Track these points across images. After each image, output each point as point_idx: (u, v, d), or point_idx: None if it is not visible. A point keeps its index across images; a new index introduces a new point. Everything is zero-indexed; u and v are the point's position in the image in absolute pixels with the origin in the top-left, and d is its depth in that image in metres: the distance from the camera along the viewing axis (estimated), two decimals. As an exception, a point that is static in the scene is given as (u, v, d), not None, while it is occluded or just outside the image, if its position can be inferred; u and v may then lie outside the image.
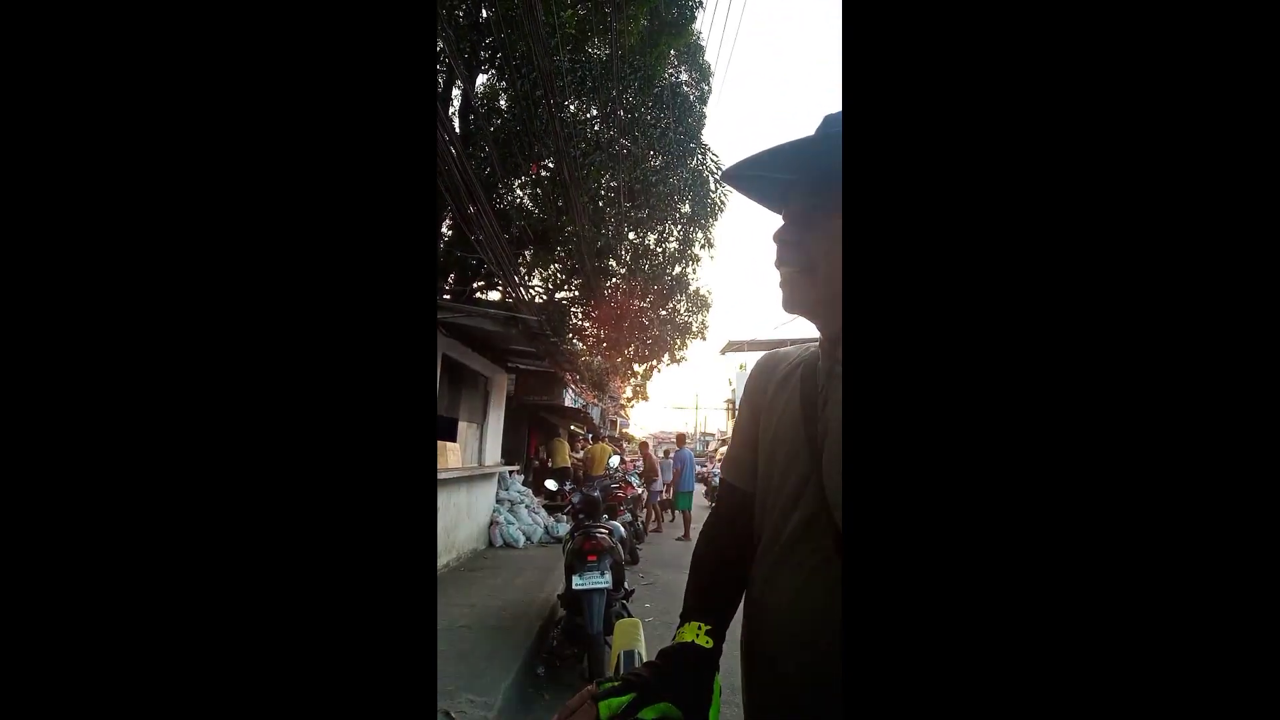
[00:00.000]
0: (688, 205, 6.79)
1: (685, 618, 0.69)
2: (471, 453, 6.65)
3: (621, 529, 4.17)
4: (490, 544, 6.15)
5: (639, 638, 0.90)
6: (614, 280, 7.48)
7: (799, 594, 0.62)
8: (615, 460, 5.37)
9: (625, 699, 0.58)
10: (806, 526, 0.63)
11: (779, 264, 0.63)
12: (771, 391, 0.73)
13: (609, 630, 2.73)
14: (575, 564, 2.93)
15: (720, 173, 6.72)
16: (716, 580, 0.72)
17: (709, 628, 0.67)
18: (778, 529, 0.66)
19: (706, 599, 0.70)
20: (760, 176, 0.65)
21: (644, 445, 10.12)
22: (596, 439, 8.47)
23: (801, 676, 0.61)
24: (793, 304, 0.64)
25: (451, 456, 5.36)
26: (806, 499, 0.63)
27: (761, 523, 0.70)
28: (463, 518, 5.46)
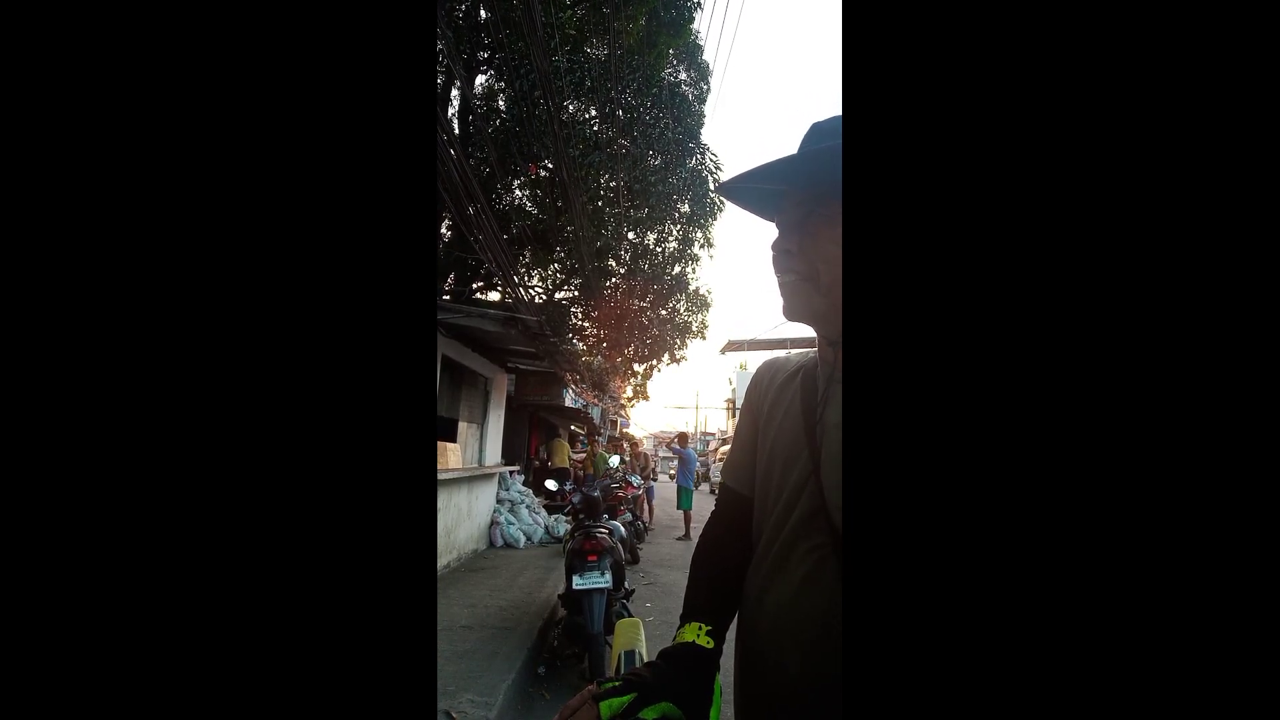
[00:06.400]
0: (687, 205, 6.79)
1: (686, 618, 0.69)
2: (472, 453, 6.65)
3: (622, 529, 4.17)
4: (491, 544, 6.15)
5: (639, 637, 0.90)
6: (614, 280, 7.48)
7: (797, 593, 0.63)
8: (616, 460, 5.37)
9: (626, 699, 0.58)
10: (805, 526, 0.63)
11: (780, 273, 0.63)
12: (771, 397, 0.74)
13: (609, 630, 2.74)
14: (575, 564, 2.94)
15: (719, 177, 6.73)
16: (717, 582, 0.73)
17: (710, 628, 0.67)
18: (777, 529, 0.67)
19: (707, 600, 0.71)
20: (755, 188, 0.66)
21: (636, 444, 10.19)
22: (591, 439, 8.47)
23: (799, 674, 0.61)
24: (794, 312, 0.65)
25: (452, 457, 5.36)
26: (805, 500, 0.64)
27: (761, 524, 0.71)
28: (463, 518, 5.46)
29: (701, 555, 0.76)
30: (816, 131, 0.62)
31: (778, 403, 0.73)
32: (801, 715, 0.61)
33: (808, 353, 0.75)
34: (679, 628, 0.69)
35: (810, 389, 0.68)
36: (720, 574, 0.73)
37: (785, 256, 0.62)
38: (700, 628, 0.67)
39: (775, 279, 0.65)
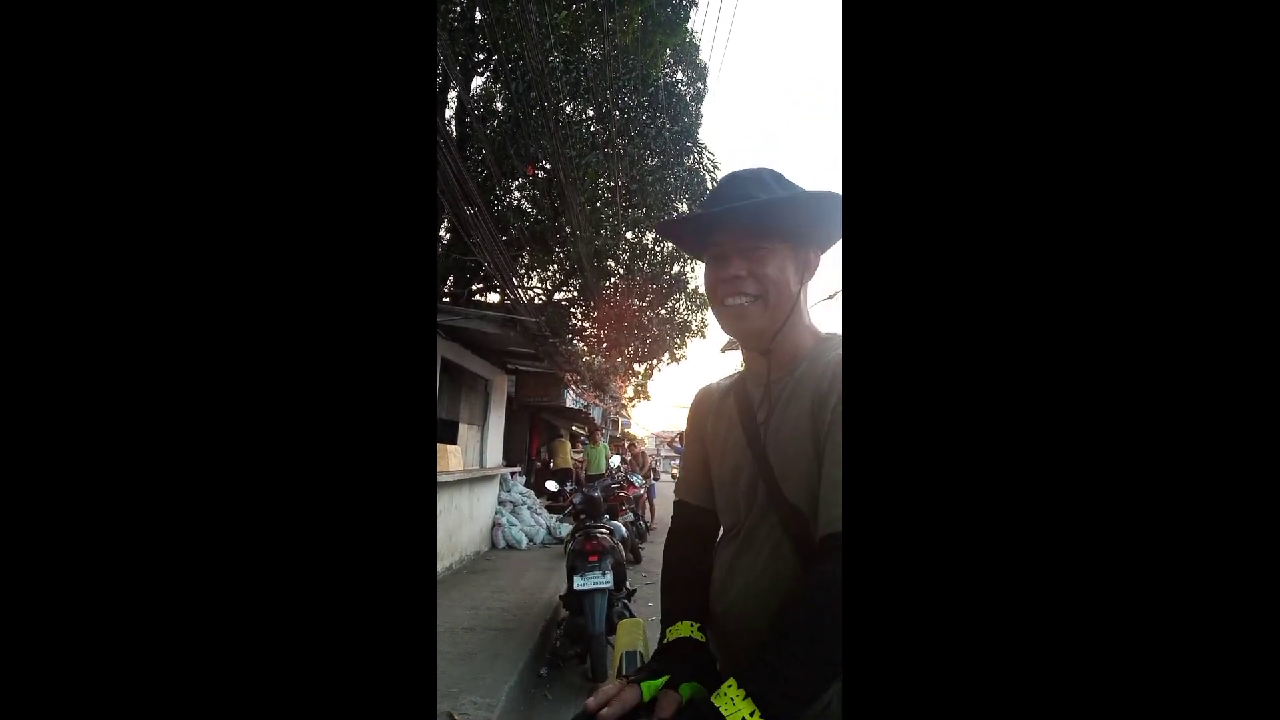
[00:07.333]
0: (685, 204, 6.78)
1: (672, 619, 0.76)
2: (473, 455, 6.65)
3: (623, 529, 4.17)
4: (493, 546, 6.14)
5: (641, 637, 0.90)
6: (613, 280, 7.47)
7: (763, 570, 0.72)
8: (616, 460, 5.37)
9: (662, 680, 0.64)
10: (762, 515, 0.74)
11: (730, 296, 0.72)
12: (712, 418, 0.86)
13: (611, 630, 2.74)
14: (577, 564, 2.94)
15: (715, 176, 6.75)
16: (692, 587, 0.81)
17: (699, 624, 0.74)
18: (737, 523, 0.79)
19: (689, 604, 0.78)
20: (694, 226, 0.78)
21: (635, 444, 10.23)
22: (593, 439, 8.46)
23: (766, 629, 0.68)
24: (740, 329, 0.75)
25: (453, 459, 5.36)
26: (758, 493, 0.74)
27: (726, 516, 0.83)
28: (465, 520, 5.45)
29: (673, 567, 0.84)
30: (736, 180, 0.74)
31: (719, 421, 0.84)
32: None
33: (732, 375, 0.88)
34: (667, 628, 0.75)
35: (744, 401, 0.79)
36: (693, 581, 0.81)
37: (737, 282, 0.72)
38: (691, 625, 0.74)
39: (718, 304, 0.75)
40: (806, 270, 0.74)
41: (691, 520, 0.87)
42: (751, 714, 0.53)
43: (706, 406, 0.88)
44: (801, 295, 0.74)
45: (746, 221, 0.71)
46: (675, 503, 0.92)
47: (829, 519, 0.62)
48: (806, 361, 0.73)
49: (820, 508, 0.64)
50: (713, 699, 0.56)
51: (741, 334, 0.76)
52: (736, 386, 0.83)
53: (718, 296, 0.74)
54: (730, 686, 0.56)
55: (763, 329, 0.73)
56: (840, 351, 0.69)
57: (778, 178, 0.74)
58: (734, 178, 0.75)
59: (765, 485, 0.73)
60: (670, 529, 0.90)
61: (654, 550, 6.85)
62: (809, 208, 0.71)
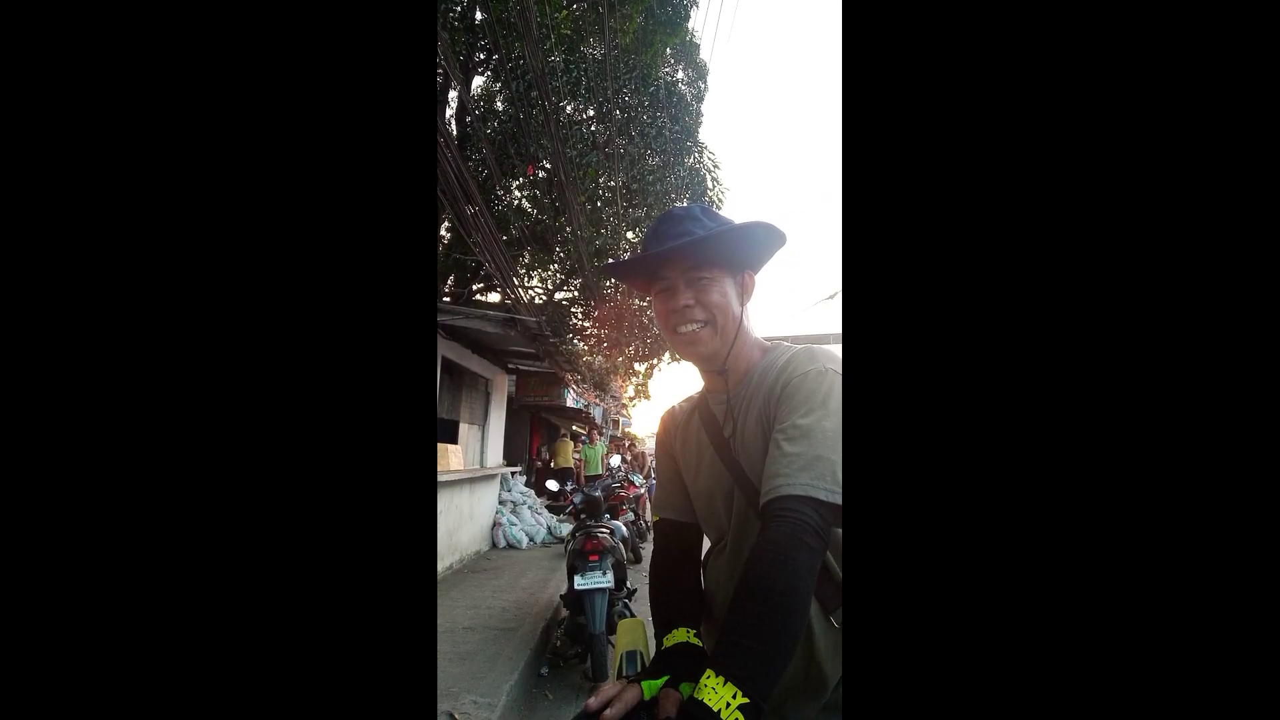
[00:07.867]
0: (686, 204, 6.76)
1: (669, 628, 0.78)
2: (473, 455, 6.65)
3: (623, 528, 4.17)
4: (494, 545, 6.15)
5: (642, 637, 0.90)
6: (613, 279, 7.47)
7: None
8: (616, 459, 5.36)
9: (662, 680, 0.65)
10: (744, 525, 0.79)
11: (682, 324, 0.78)
12: (680, 437, 0.92)
13: (612, 630, 2.74)
14: (577, 564, 2.94)
15: (717, 176, 6.76)
16: (683, 597, 0.85)
17: (695, 631, 0.78)
18: (723, 535, 0.84)
19: (682, 612, 0.82)
20: (639, 266, 0.84)
21: (634, 444, 10.29)
22: (590, 439, 8.47)
23: None
24: (695, 353, 0.80)
25: (453, 459, 5.36)
26: (736, 505, 0.80)
27: (711, 529, 0.88)
28: (465, 520, 5.46)
29: (663, 582, 0.88)
30: (672, 219, 0.79)
31: (687, 440, 0.89)
32: None
33: (692, 396, 0.94)
34: (663, 636, 0.77)
35: (709, 419, 0.85)
36: (686, 592, 0.86)
37: (687, 310, 0.78)
38: (687, 631, 0.77)
39: (671, 333, 0.80)
40: (745, 292, 0.82)
41: (674, 533, 0.92)
42: (734, 696, 0.54)
43: (673, 428, 0.95)
44: (745, 314, 0.81)
45: (689, 255, 0.78)
46: (656, 522, 0.96)
47: (765, 490, 0.66)
48: (758, 372, 0.79)
49: (762, 484, 0.68)
50: (695, 694, 0.56)
51: (696, 358, 0.82)
52: (699, 406, 0.89)
53: (670, 325, 0.80)
54: (709, 677, 0.57)
55: (715, 351, 0.79)
56: (784, 358, 0.77)
57: (706, 212, 0.81)
58: (670, 217, 0.81)
59: (743, 493, 0.78)
60: (654, 547, 0.94)
61: (654, 550, 6.83)
62: (741, 237, 0.78)
